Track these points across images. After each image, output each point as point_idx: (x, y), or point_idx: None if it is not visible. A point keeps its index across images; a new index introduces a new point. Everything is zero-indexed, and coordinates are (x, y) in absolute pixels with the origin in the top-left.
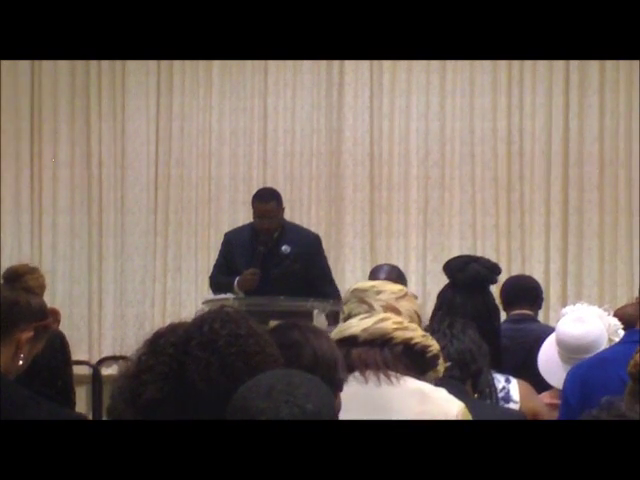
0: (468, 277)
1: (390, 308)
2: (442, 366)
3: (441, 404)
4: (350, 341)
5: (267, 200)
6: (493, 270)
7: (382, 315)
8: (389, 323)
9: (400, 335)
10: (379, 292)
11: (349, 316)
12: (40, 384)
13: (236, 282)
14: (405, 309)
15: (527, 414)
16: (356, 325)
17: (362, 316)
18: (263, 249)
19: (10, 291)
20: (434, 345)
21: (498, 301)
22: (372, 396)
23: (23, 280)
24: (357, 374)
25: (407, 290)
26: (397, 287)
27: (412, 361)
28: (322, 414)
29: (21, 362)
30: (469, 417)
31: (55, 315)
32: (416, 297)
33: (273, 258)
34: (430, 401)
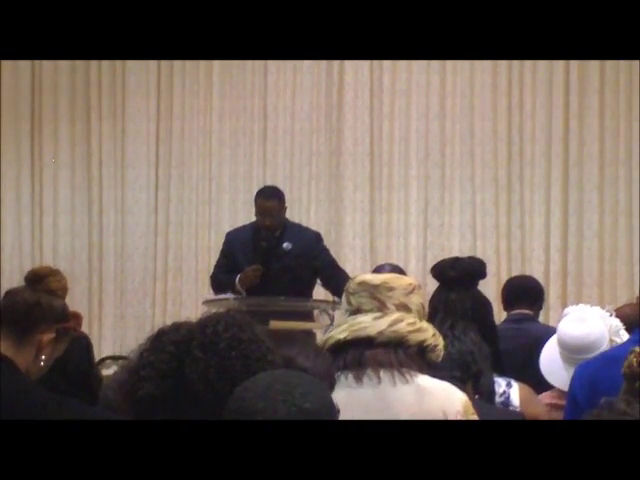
0: (461, 272)
1: (402, 306)
2: (441, 352)
3: (442, 398)
4: (365, 342)
5: (269, 198)
6: (481, 263)
7: (395, 316)
8: (403, 325)
9: (415, 338)
10: (391, 289)
11: (358, 310)
12: (67, 384)
13: (238, 278)
14: (414, 304)
15: (527, 419)
16: (371, 325)
17: (375, 315)
18: (265, 245)
19: (32, 293)
20: (441, 343)
21: (498, 302)
22: (378, 395)
23: (45, 282)
24: (370, 372)
25: (414, 282)
26: (406, 281)
27: (423, 360)
28: (320, 413)
29: (42, 363)
30: (471, 409)
31: (77, 318)
32: (420, 287)
33: (274, 255)
34: (431, 396)
